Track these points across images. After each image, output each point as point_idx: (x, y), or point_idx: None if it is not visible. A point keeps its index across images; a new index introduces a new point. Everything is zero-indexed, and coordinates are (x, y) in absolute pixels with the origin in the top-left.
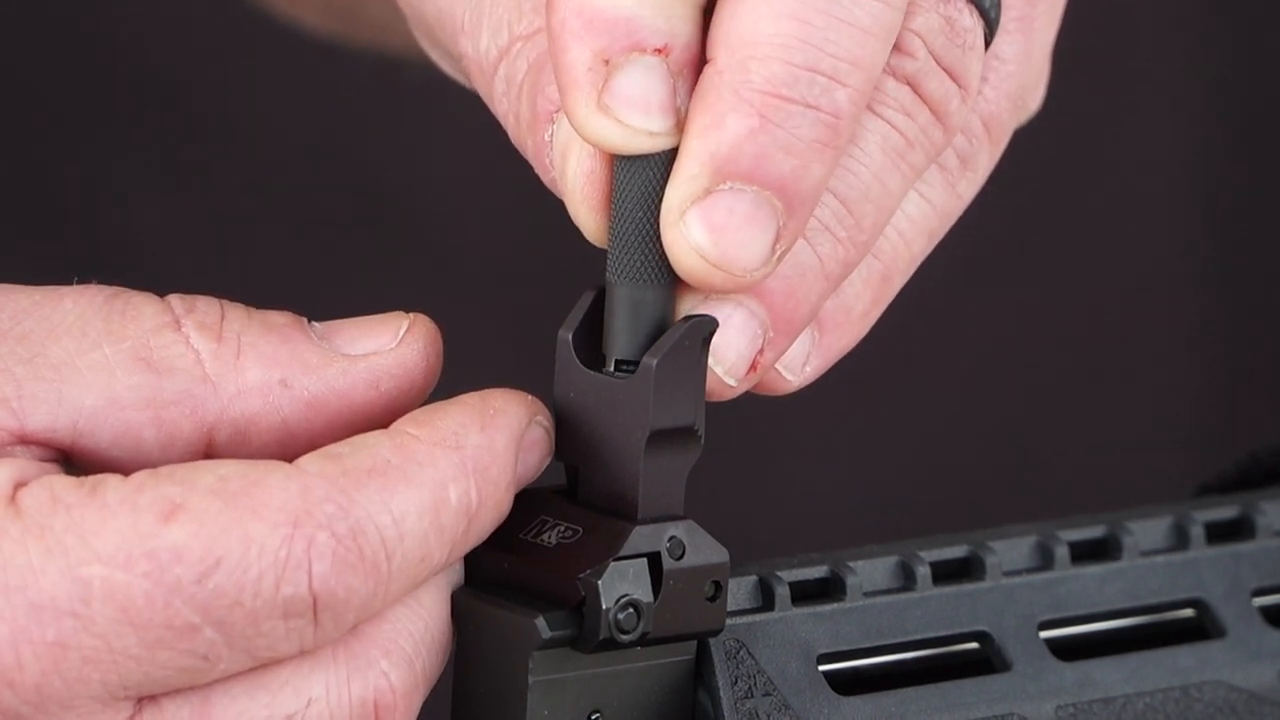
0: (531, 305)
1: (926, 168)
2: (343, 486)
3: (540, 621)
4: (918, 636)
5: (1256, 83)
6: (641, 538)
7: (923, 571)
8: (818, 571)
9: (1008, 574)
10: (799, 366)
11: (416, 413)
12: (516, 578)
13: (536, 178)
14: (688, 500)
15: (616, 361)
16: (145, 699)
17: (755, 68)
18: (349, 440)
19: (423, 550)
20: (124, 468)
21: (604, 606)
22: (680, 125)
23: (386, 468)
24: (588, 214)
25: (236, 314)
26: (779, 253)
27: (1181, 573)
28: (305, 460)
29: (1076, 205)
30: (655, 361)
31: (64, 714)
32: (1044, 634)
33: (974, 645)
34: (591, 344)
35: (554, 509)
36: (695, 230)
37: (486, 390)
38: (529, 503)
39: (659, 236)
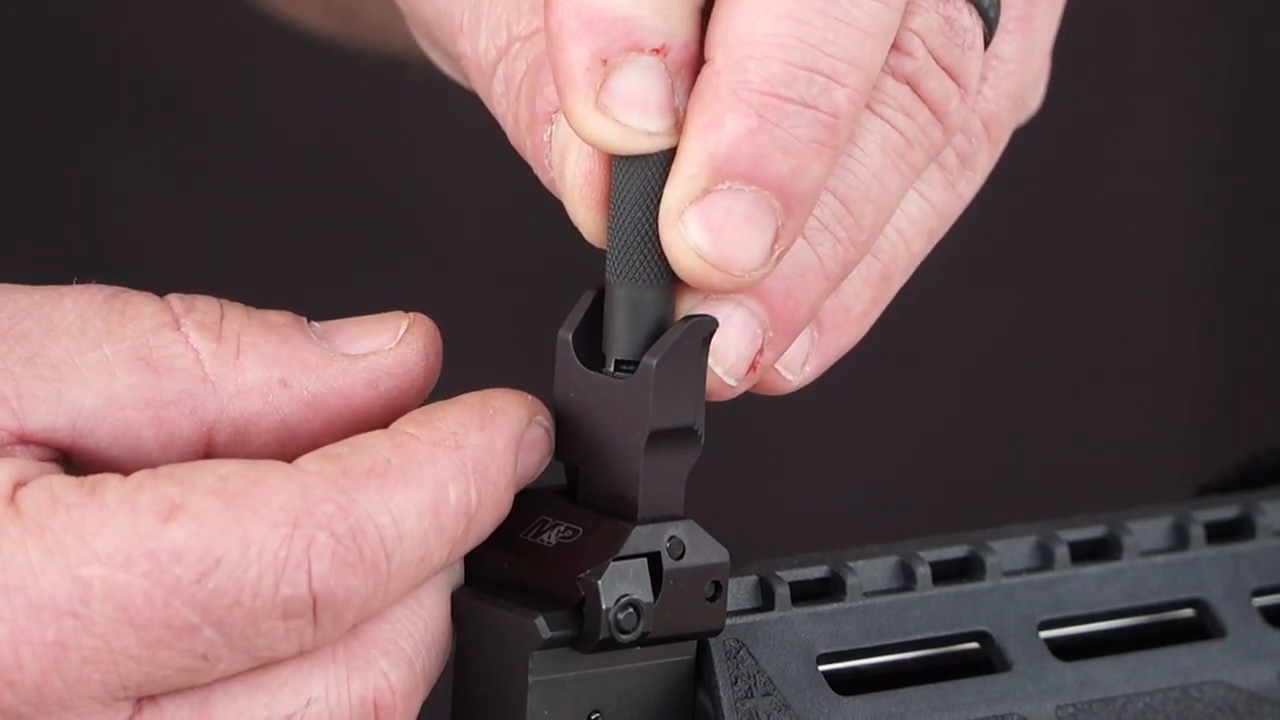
0: (531, 305)
1: (926, 167)
2: (342, 486)
3: (540, 621)
4: (918, 636)
5: (1256, 83)
6: (641, 538)
7: (923, 571)
8: (818, 571)
9: (1008, 574)
10: (798, 366)
11: (416, 413)
12: (516, 578)
13: (536, 178)
14: (688, 500)
15: (616, 361)
16: (145, 699)
17: (753, 68)
18: (349, 440)
19: (422, 550)
20: (123, 467)
21: (604, 606)
22: (679, 125)
23: (386, 468)
24: (586, 214)
25: (236, 313)
26: (778, 253)
27: (1181, 573)
28: (305, 460)
29: (1076, 205)
30: (655, 361)
31: (64, 714)
32: (1044, 634)
33: (974, 645)
34: (591, 344)
35: (554, 509)
36: (694, 230)
37: (486, 390)
38: (529, 503)
39: (658, 236)
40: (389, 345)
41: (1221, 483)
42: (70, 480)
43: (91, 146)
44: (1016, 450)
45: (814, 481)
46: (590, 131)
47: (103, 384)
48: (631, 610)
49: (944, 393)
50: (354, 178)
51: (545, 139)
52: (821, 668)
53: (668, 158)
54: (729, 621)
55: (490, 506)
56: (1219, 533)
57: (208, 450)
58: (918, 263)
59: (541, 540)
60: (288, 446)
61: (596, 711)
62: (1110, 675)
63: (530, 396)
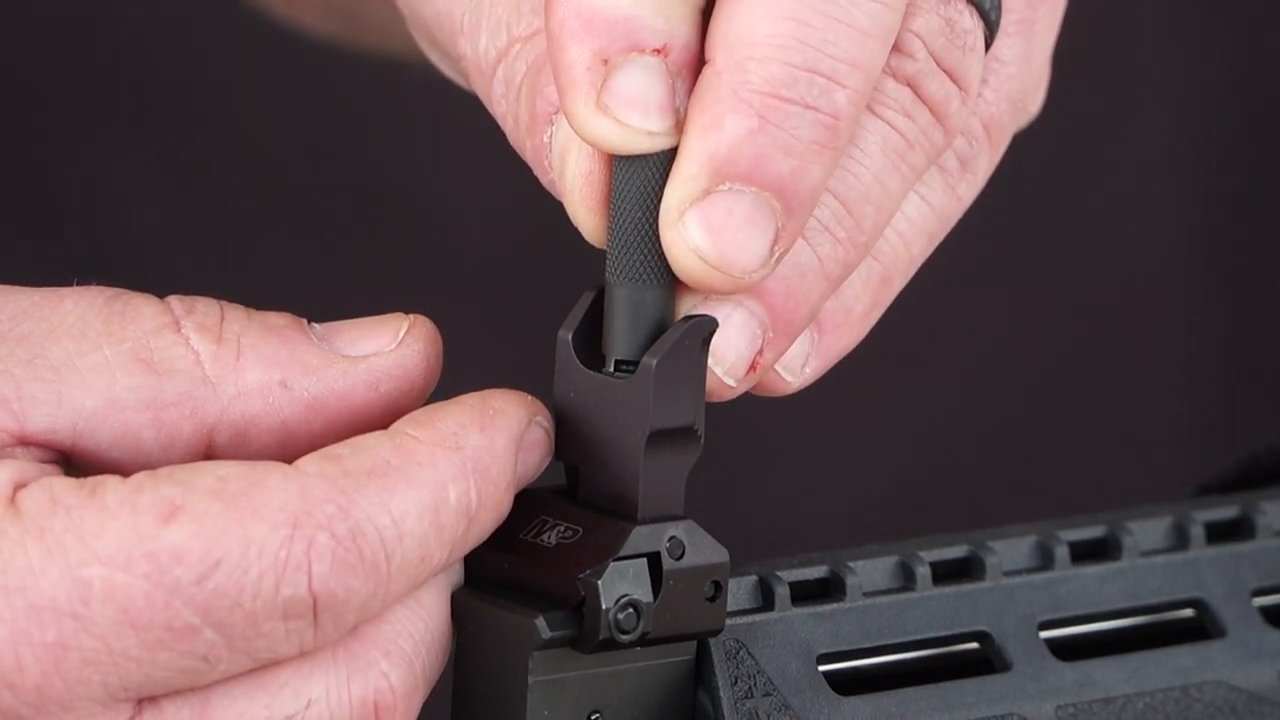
0: (531, 305)
1: (926, 169)
2: (342, 487)
3: (540, 621)
4: (918, 636)
5: (1256, 83)
6: (641, 538)
7: (923, 571)
8: (818, 571)
9: (1008, 574)
10: (798, 367)
11: (416, 413)
12: (516, 578)
13: (536, 178)
14: (688, 500)
15: (616, 361)
16: (145, 700)
17: (754, 68)
18: (349, 441)
19: (422, 551)
20: (124, 469)
21: (604, 606)
22: (679, 125)
23: (386, 468)
24: (586, 214)
25: (236, 315)
26: (778, 254)
27: (1181, 573)
28: (305, 461)
29: (1076, 205)
30: (655, 361)
31: (64, 715)
32: (1044, 634)
33: (974, 645)
34: (591, 344)
35: (554, 509)
36: (694, 231)
37: (486, 390)
38: (529, 503)
39: (658, 237)
40: (389, 347)
41: (1221, 483)
42: (70, 482)
43: (91, 146)
44: (1016, 450)
45: (814, 481)
46: (591, 131)
47: (103, 385)
48: (631, 610)
49: (944, 393)
50: (354, 178)
51: (545, 140)
52: (821, 668)
53: (668, 158)
54: (729, 621)
55: (490, 507)
56: (1219, 533)
57: (208, 452)
58: (918, 265)
59: (541, 540)
60: (288, 448)
61: (596, 711)
62: (1110, 675)
63: (530, 397)
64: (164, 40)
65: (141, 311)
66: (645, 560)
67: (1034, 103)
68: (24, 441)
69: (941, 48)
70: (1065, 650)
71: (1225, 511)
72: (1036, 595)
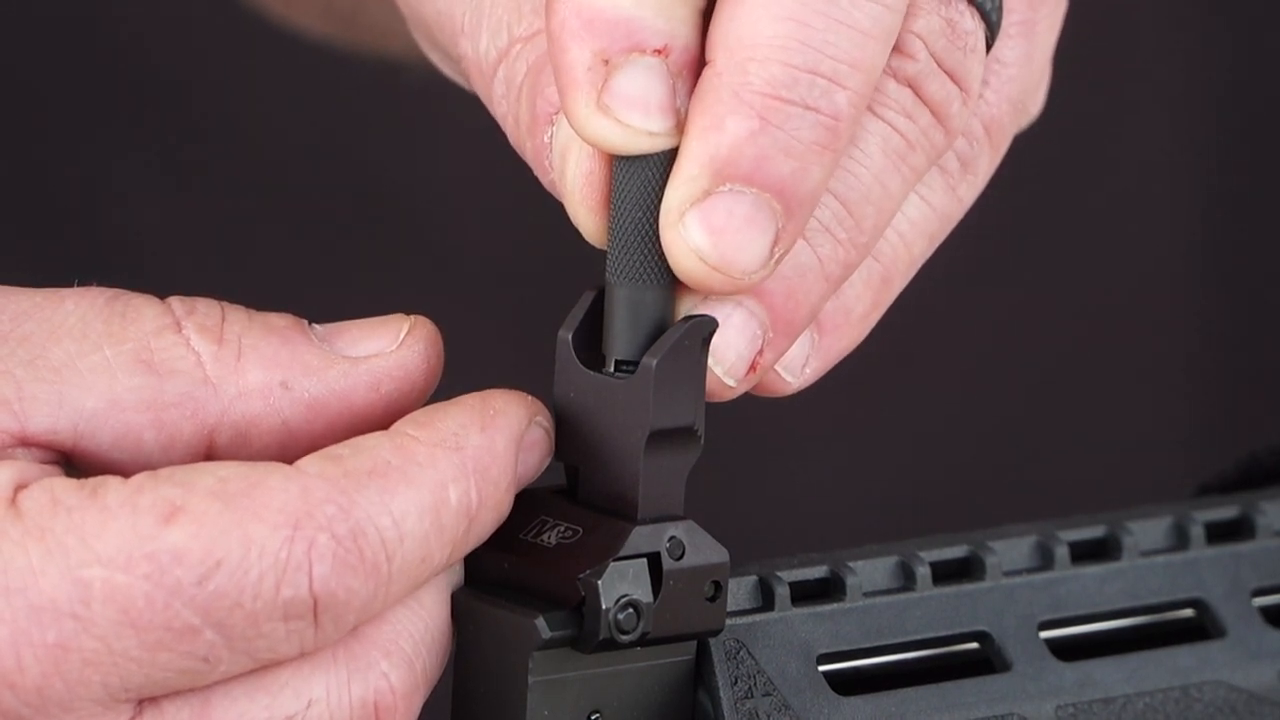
0: (531, 305)
1: (927, 170)
2: (343, 488)
3: (540, 621)
4: (918, 636)
5: (1256, 83)
6: (641, 538)
7: (923, 571)
8: (818, 571)
9: (1008, 574)
10: (798, 368)
11: (417, 414)
12: (516, 578)
13: (536, 178)
14: (688, 500)
15: (616, 362)
16: (146, 701)
17: (754, 69)
18: (349, 442)
19: (423, 551)
20: (125, 469)
21: (604, 606)
22: (680, 126)
23: (387, 469)
24: (587, 215)
25: (237, 316)
26: (778, 255)
27: (1181, 573)
28: (305, 462)
29: (1076, 206)
30: (655, 361)
31: (64, 716)
32: (1044, 634)
33: (974, 645)
34: (591, 344)
35: (554, 509)
36: (694, 232)
37: (486, 391)
38: (529, 503)
39: (658, 237)
40: (390, 348)
41: (1221, 483)
42: (71, 482)
43: (91, 146)
44: (1016, 450)
45: (814, 481)
46: (591, 132)
47: (104, 386)
48: (631, 610)
49: (944, 393)
50: (354, 178)
51: (546, 140)
52: (821, 668)
53: (668, 158)
54: (729, 621)
55: (491, 507)
56: (1219, 533)
57: (209, 452)
58: (918, 265)
59: (541, 540)
60: (289, 448)
61: (596, 711)
62: (1110, 675)
63: (530, 397)
64: (164, 40)
65: (142, 312)
66: (645, 560)
67: (1035, 104)
68: (25, 442)
69: (943, 49)
70: (1065, 650)
71: (1225, 511)
72: (1036, 595)
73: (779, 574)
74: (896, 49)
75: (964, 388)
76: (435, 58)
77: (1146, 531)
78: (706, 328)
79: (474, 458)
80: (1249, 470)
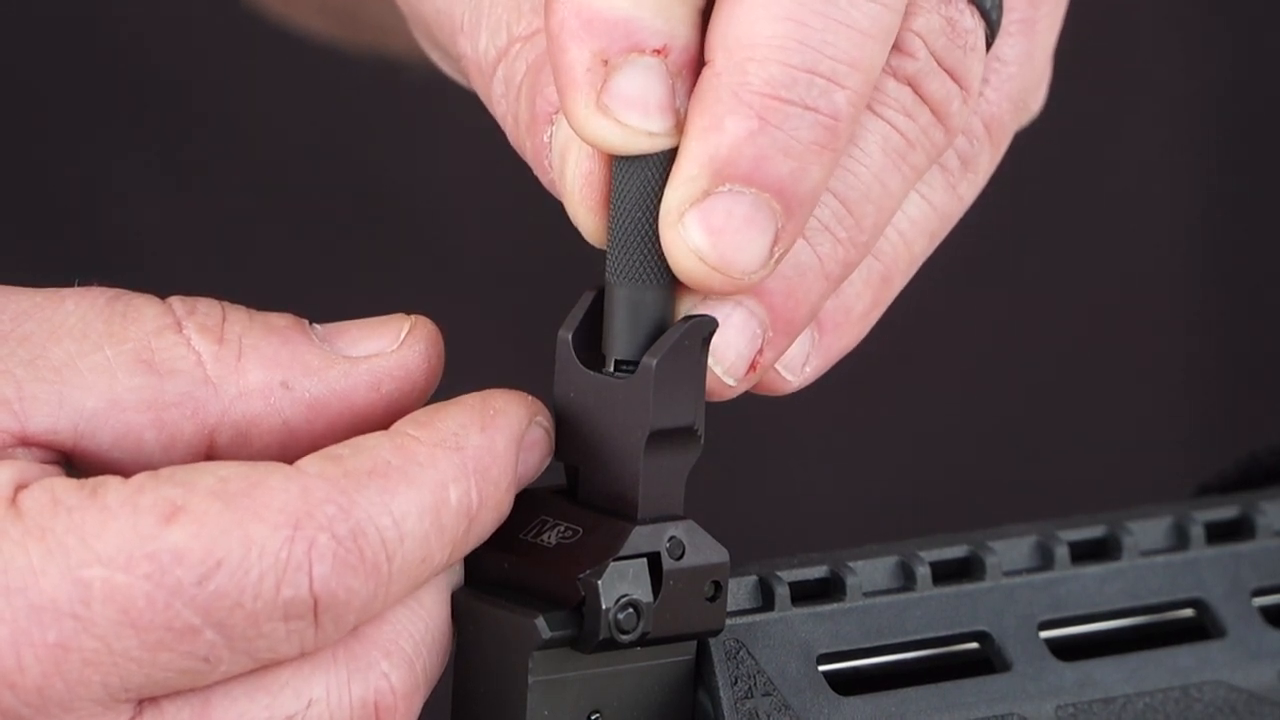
0: (531, 305)
1: (927, 168)
2: (343, 488)
3: (540, 621)
4: (918, 636)
5: (1256, 83)
6: (641, 538)
7: (923, 571)
8: (818, 571)
9: (1008, 574)
10: (799, 367)
11: (417, 414)
12: (516, 578)
13: (536, 178)
14: (688, 500)
15: (616, 361)
16: (146, 701)
17: (753, 70)
18: (350, 441)
19: (423, 551)
20: (125, 469)
21: (604, 606)
22: (679, 126)
23: (387, 469)
24: (586, 215)
25: (238, 316)
26: (777, 255)
27: (1181, 573)
28: (306, 462)
29: (1076, 205)
30: (655, 361)
31: (65, 716)
32: (1044, 634)
33: (974, 645)
34: (591, 344)
35: (554, 509)
36: (694, 232)
37: (486, 391)
38: (529, 503)
39: (658, 237)
40: (391, 348)
41: (1221, 483)
42: (71, 482)
43: (91, 146)
44: (1016, 450)
45: (814, 481)
46: (591, 132)
47: (104, 386)
48: (631, 610)
49: (944, 393)
50: (354, 178)
51: (545, 140)
52: (821, 668)
53: (668, 158)
54: (729, 621)
55: (491, 507)
56: (1219, 533)
57: (209, 452)
58: (919, 264)
59: (541, 540)
60: (289, 448)
61: (596, 711)
62: (1110, 675)
63: (530, 397)
64: (164, 40)
65: (143, 312)
66: (645, 560)
67: (1036, 101)
68: (25, 442)
69: (942, 47)
70: (1065, 650)
71: (1225, 511)
72: (1036, 595)
73: (779, 574)
74: (896, 47)
75: (964, 388)
76: (435, 56)
77: (1146, 531)
78: (706, 328)
79: (474, 458)
80: (1249, 470)
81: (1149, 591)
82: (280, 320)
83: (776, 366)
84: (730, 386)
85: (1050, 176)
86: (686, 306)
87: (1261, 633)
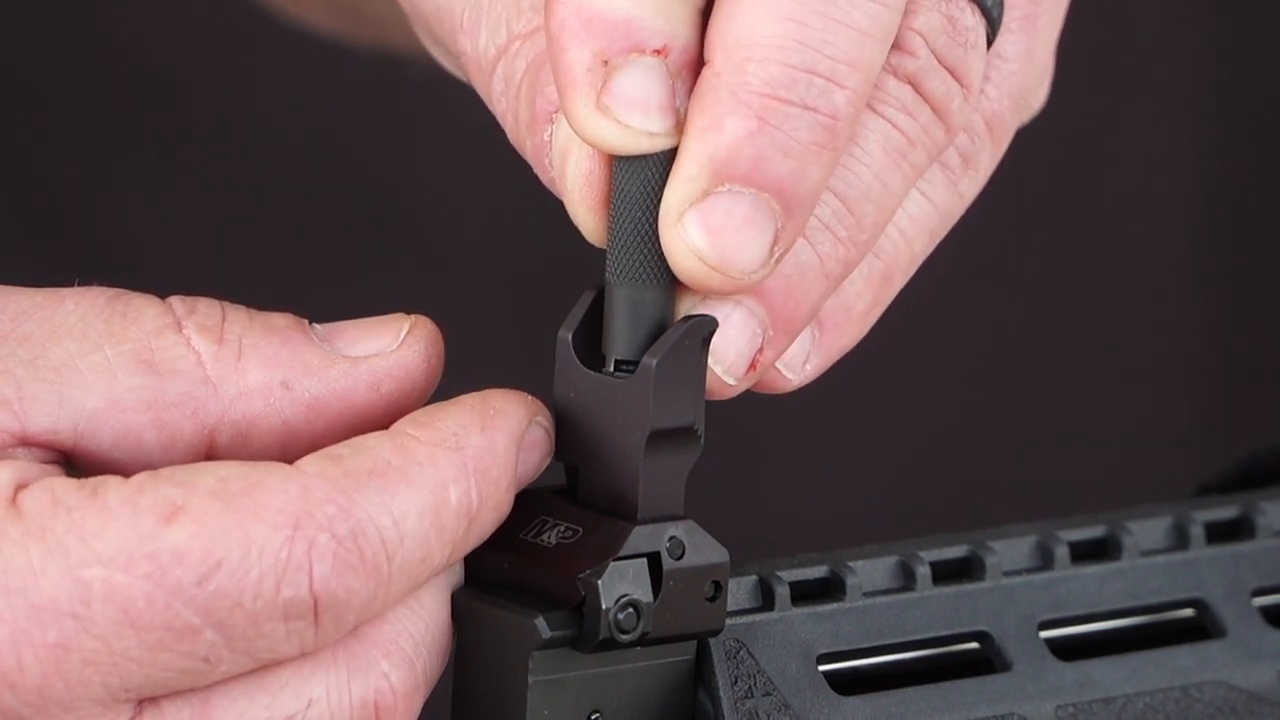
0: (531, 305)
1: (928, 167)
2: (343, 488)
3: (540, 621)
4: (918, 636)
5: (1256, 83)
6: (641, 538)
7: (923, 571)
8: (818, 571)
9: (1008, 574)
10: (799, 365)
11: (417, 414)
12: (516, 578)
13: (536, 177)
14: (688, 500)
15: (616, 361)
16: (146, 701)
17: (753, 70)
18: (349, 441)
19: (423, 551)
20: (125, 469)
21: (604, 606)
22: (679, 126)
23: (387, 469)
24: (587, 214)
25: (238, 316)
26: (777, 255)
27: (1181, 573)
28: (306, 462)
29: (1077, 205)
30: (655, 361)
31: (65, 716)
32: (1044, 634)
33: (974, 645)
34: (591, 344)
35: (554, 509)
36: (693, 232)
37: (486, 391)
38: (529, 503)
39: (658, 237)
40: (391, 347)
41: (1221, 483)
42: (71, 482)
43: (91, 146)
44: (1016, 450)
45: (814, 481)
46: (591, 132)
47: (104, 386)
48: (631, 610)
49: (944, 393)
50: (354, 177)
51: (545, 138)
52: (821, 668)
53: (668, 158)
54: (729, 621)
55: (491, 507)
56: (1219, 533)
57: (209, 452)
58: (919, 262)
59: (541, 540)
60: (289, 448)
61: (596, 711)
62: (1110, 675)
63: (530, 397)
64: (164, 40)
65: (143, 312)
66: (645, 560)
67: (1037, 99)
68: (25, 442)
69: (943, 45)
70: (1065, 650)
71: (1225, 511)
72: (1036, 595)
73: (779, 574)
74: (896, 46)
75: (964, 388)
76: (435, 52)
77: (1146, 531)
78: (706, 327)
79: (474, 458)
80: (1249, 470)
81: (1149, 591)
82: (280, 320)
83: (777, 365)
84: (730, 386)
85: (1050, 176)
86: (686, 306)
87: (1261, 633)
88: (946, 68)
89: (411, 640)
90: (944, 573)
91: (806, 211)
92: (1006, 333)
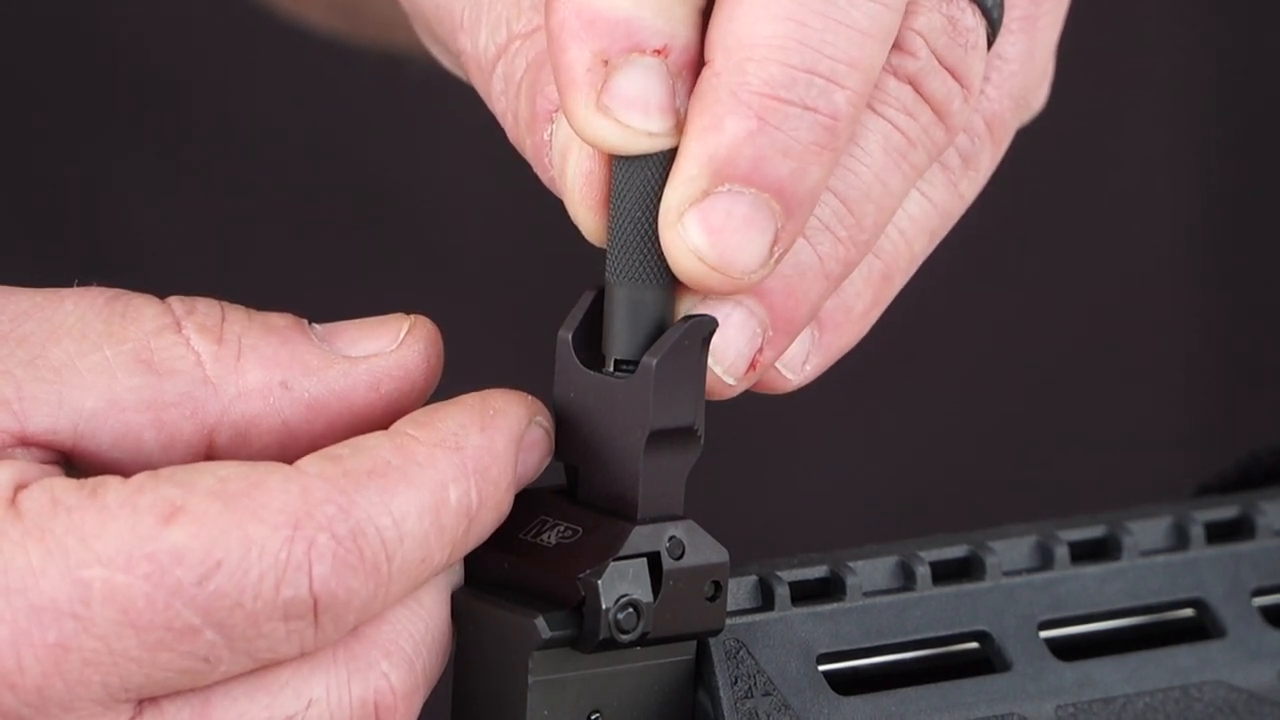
0: (531, 305)
1: (928, 167)
2: (343, 488)
3: (540, 621)
4: (918, 636)
5: (1256, 83)
6: (641, 538)
7: (923, 571)
8: (818, 571)
9: (1008, 574)
10: (799, 365)
11: (417, 414)
12: (516, 578)
13: (536, 177)
14: (688, 500)
15: (616, 361)
16: (146, 701)
17: (753, 70)
18: (349, 442)
19: (423, 551)
20: (125, 469)
21: (604, 606)
22: (679, 126)
23: (387, 469)
24: (587, 214)
25: (237, 316)
26: (777, 255)
27: (1181, 573)
28: (305, 462)
29: (1077, 205)
30: (655, 361)
31: (65, 716)
32: (1044, 634)
33: (974, 645)
34: (591, 344)
35: (554, 509)
36: (693, 232)
37: (486, 390)
38: (529, 503)
39: (658, 237)
40: (390, 347)
41: (1221, 483)
42: (71, 482)
43: (91, 146)
44: (1016, 450)
45: (814, 481)
46: (591, 132)
47: (104, 386)
48: (631, 610)
49: (944, 393)
50: (354, 177)
51: (545, 138)
52: (821, 668)
53: (668, 158)
54: (729, 621)
55: (491, 507)
56: (1219, 533)
57: (209, 452)
58: (919, 262)
59: (541, 540)
60: (288, 448)
61: (596, 711)
62: (1110, 675)
63: (530, 397)
64: (164, 40)
65: (142, 312)
66: (645, 560)
67: (1037, 99)
68: (25, 442)
69: (943, 46)
70: (1065, 650)
71: (1225, 511)
72: (1036, 595)
73: (779, 574)
74: (897, 46)
75: (964, 388)
76: (436, 51)
77: (1146, 531)
78: (706, 327)
79: (474, 458)
80: (1249, 470)
81: (1149, 591)
82: (279, 320)
83: (776, 365)
84: (730, 386)
85: (1051, 176)
86: (686, 306)
87: (1261, 633)
88: (947, 68)
89: (411, 640)
90: (944, 573)
91: (806, 211)
92: (1006, 333)
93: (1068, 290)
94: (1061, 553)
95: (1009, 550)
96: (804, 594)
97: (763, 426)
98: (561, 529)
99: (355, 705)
